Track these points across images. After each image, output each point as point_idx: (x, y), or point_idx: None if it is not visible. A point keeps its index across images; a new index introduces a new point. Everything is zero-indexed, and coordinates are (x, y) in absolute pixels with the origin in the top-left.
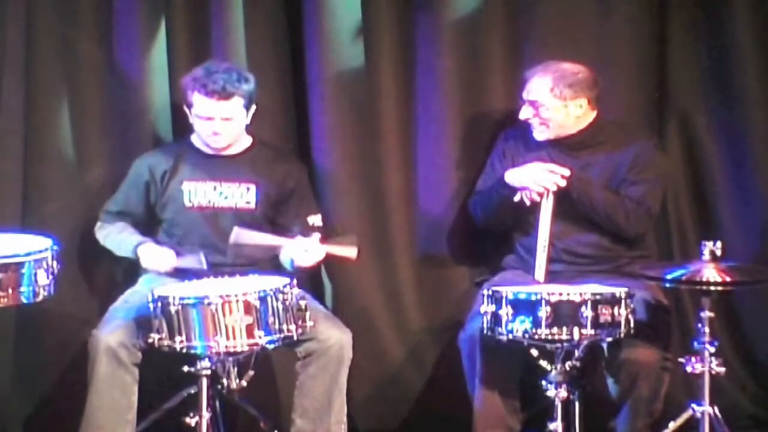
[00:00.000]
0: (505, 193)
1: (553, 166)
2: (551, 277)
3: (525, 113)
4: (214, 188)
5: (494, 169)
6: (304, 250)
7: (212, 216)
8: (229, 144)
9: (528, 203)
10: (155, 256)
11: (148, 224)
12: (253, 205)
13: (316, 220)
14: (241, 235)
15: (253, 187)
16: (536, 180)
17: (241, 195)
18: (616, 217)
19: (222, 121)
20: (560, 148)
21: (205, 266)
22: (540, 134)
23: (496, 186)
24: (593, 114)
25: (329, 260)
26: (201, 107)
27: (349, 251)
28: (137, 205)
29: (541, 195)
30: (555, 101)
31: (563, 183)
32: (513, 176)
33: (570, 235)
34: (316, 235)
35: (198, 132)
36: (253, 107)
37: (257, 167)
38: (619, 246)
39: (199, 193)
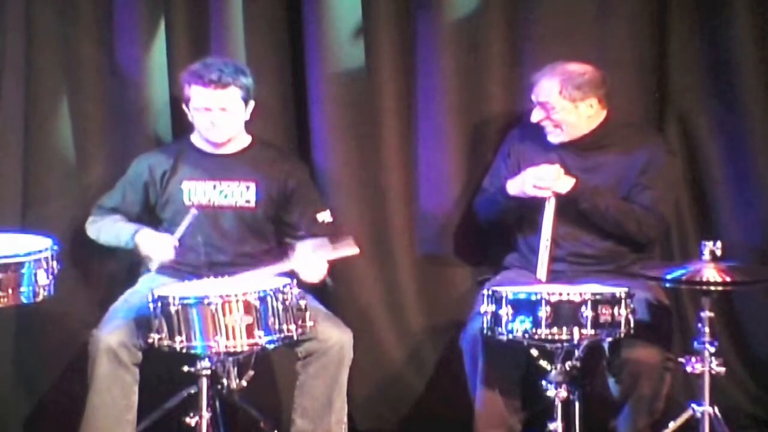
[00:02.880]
0: (509, 204)
1: (550, 168)
2: (553, 276)
3: (537, 116)
4: (214, 187)
5: (499, 169)
6: (307, 265)
7: (212, 215)
8: (228, 138)
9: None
10: (155, 241)
11: (142, 224)
12: (253, 204)
13: (325, 216)
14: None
15: (252, 186)
16: (538, 184)
17: (241, 194)
18: (627, 225)
19: (220, 112)
20: (570, 149)
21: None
22: (555, 137)
23: (498, 196)
24: (604, 113)
25: (334, 264)
26: (198, 98)
27: (351, 250)
28: (134, 204)
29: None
30: (565, 103)
31: (565, 181)
32: (515, 187)
33: (578, 237)
34: (322, 250)
35: (197, 126)
36: (252, 103)
37: (257, 166)
38: (624, 247)
39: (198, 192)
